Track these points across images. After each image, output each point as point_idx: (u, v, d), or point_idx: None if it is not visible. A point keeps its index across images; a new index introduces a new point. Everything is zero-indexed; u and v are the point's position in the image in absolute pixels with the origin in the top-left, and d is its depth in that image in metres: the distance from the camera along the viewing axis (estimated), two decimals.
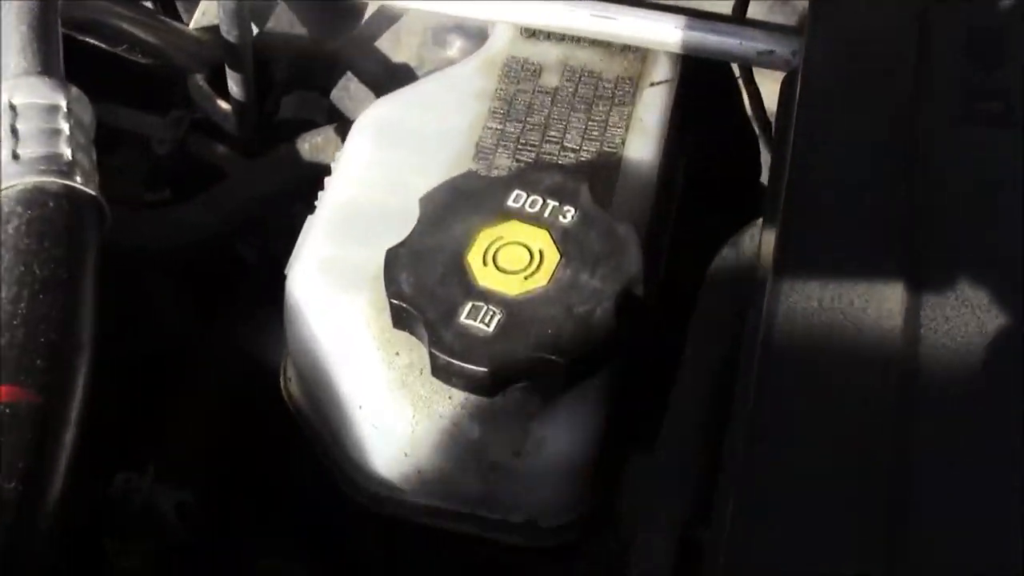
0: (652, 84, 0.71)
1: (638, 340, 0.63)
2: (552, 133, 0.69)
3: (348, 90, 0.86)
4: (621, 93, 0.71)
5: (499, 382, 0.57)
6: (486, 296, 0.58)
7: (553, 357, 0.56)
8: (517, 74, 0.72)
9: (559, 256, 0.59)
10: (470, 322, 0.57)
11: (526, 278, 0.59)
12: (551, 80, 0.72)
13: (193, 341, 0.81)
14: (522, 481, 0.61)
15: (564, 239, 0.60)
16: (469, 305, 0.58)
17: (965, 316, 0.45)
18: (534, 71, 0.72)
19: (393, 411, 0.61)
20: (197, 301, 0.85)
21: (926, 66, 0.52)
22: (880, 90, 0.52)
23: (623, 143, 0.69)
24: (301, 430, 0.68)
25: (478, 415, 0.60)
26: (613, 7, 0.69)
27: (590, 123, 0.69)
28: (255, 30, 0.83)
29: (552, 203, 0.61)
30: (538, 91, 0.71)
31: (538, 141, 0.69)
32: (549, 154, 0.68)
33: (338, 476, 0.64)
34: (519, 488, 0.61)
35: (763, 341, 0.45)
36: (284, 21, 0.89)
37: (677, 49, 0.69)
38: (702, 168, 0.76)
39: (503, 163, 0.68)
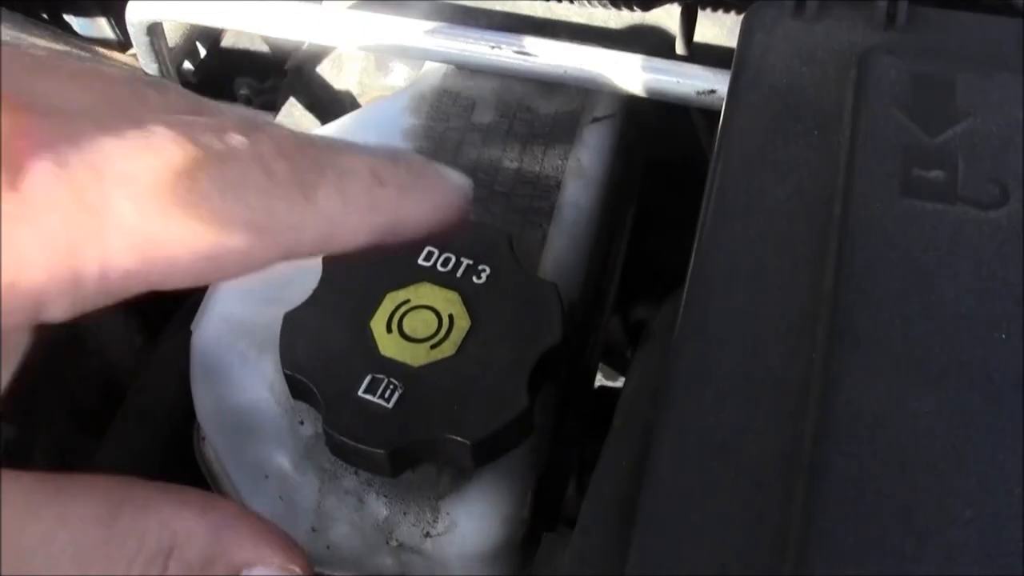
0: (593, 120, 0.65)
1: (563, 409, 0.58)
2: (481, 175, 0.63)
3: (292, 116, 0.81)
4: (559, 130, 0.65)
5: (400, 464, 0.52)
6: (388, 367, 0.53)
7: (458, 438, 0.51)
8: (448, 110, 0.66)
9: (469, 322, 0.54)
10: (368, 397, 0.52)
11: (432, 347, 0.54)
12: (484, 117, 0.66)
13: (137, 363, 0.77)
14: (435, 562, 0.56)
15: (477, 302, 0.55)
16: (369, 378, 0.53)
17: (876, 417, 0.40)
18: (467, 107, 0.67)
19: (298, 484, 0.57)
20: (143, 323, 0.80)
21: (862, 123, 0.46)
22: (809, 151, 0.47)
23: (558, 186, 0.63)
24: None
25: (384, 493, 0.55)
26: (540, 43, 0.63)
27: (523, 164, 0.64)
28: (203, 52, 0.80)
29: (466, 261, 0.56)
30: (470, 129, 0.65)
31: None
32: (478, 199, 0.63)
33: None
34: (434, 567, 0.57)
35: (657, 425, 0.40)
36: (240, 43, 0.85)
37: (607, 88, 0.63)
38: (656, 208, 0.70)
39: None
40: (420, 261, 0.56)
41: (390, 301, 0.55)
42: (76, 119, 0.32)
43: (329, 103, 0.79)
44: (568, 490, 0.63)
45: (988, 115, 0.47)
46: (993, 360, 0.41)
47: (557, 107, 0.66)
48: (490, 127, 0.65)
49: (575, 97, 0.67)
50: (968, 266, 0.43)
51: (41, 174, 0.31)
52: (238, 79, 0.86)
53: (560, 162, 0.64)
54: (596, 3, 0.61)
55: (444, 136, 0.65)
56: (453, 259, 0.56)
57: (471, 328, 0.54)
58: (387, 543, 0.56)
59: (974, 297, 0.43)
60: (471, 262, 0.56)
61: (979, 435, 0.39)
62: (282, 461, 0.57)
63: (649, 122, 0.69)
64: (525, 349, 0.53)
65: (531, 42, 0.63)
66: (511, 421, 0.52)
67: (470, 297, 0.55)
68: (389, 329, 0.54)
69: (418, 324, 0.54)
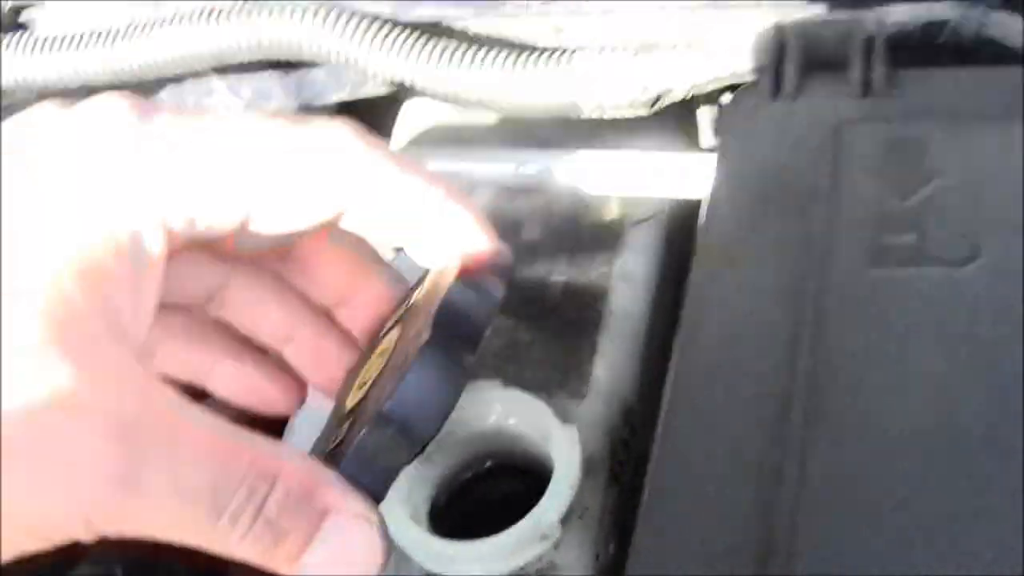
0: (635, 223, 0.66)
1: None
2: (528, 292, 0.65)
3: None
4: (604, 237, 0.67)
5: None
6: None
7: None
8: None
9: None
10: None
11: None
12: (532, 234, 0.68)
13: None
14: None
15: None
16: None
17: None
18: (515, 226, 0.69)
19: None
20: None
21: (836, 196, 0.46)
22: (788, 232, 0.47)
23: (606, 294, 0.65)
24: None
25: None
26: (574, 156, 0.64)
27: (570, 277, 0.65)
28: None
29: None
30: (518, 249, 0.67)
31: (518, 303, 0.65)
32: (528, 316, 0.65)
33: None
34: None
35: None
36: None
37: (641, 191, 0.64)
38: None
39: None
40: None
41: None
42: None
43: None
44: None
45: (959, 170, 0.47)
46: (965, 420, 0.40)
47: (600, 214, 0.68)
48: (537, 244, 0.67)
49: (618, 202, 0.68)
50: (937, 327, 0.43)
51: None
52: None
53: (606, 269, 0.65)
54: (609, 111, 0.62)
55: None
56: None
57: None
58: None
59: (944, 358, 0.42)
60: None
61: (949, 500, 0.38)
62: None
63: (694, 218, 0.69)
64: None
65: (562, 156, 0.65)
66: None
67: None
68: None
69: None
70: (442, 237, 0.47)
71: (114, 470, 0.37)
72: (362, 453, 0.44)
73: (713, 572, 0.40)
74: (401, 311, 0.50)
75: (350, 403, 0.50)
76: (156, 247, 0.42)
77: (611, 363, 0.63)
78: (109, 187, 0.41)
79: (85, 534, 0.38)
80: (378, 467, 0.44)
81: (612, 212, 0.68)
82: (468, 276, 0.46)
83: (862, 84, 0.51)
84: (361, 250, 0.50)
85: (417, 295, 0.50)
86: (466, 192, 0.48)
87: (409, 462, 0.45)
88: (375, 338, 0.51)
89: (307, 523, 0.41)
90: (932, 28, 0.56)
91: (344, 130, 0.44)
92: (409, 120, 0.75)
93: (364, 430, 0.44)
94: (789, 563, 0.39)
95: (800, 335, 0.44)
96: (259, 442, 0.41)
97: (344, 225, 0.46)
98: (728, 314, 0.46)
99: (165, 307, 0.48)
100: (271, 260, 0.50)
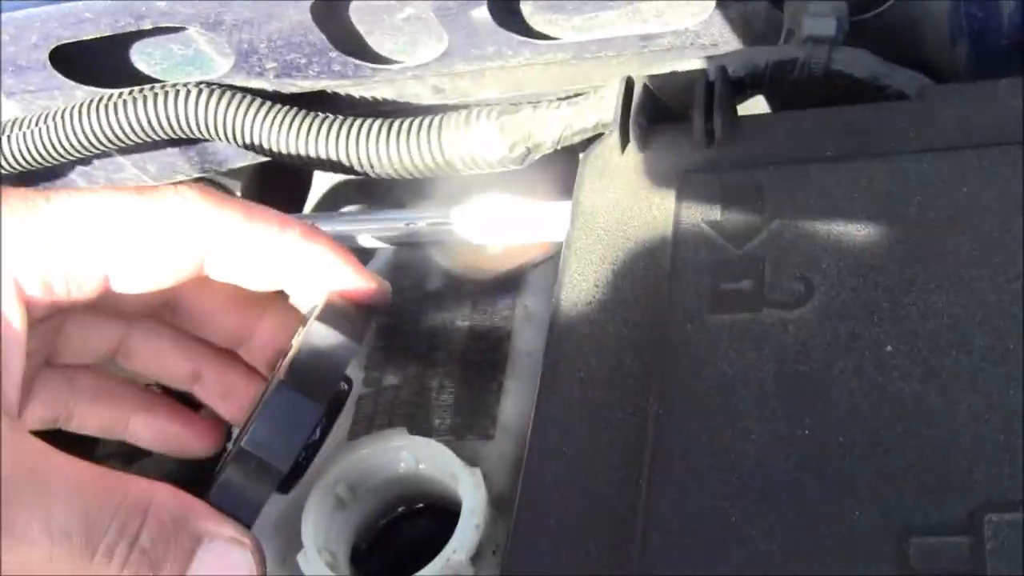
0: (535, 265, 0.69)
1: None
2: (436, 340, 0.68)
3: None
4: (505, 281, 0.69)
5: None
6: None
7: None
8: (402, 283, 0.71)
9: None
10: None
11: None
12: (434, 284, 0.71)
13: None
14: None
15: None
16: None
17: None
18: (419, 278, 0.71)
19: None
20: None
21: (675, 246, 0.49)
22: (635, 284, 0.50)
23: (509, 336, 0.67)
24: None
25: None
26: (463, 211, 0.67)
27: (474, 321, 0.68)
28: None
29: None
30: (423, 299, 0.70)
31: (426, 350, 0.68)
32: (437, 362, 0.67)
33: None
34: None
35: None
36: None
37: (534, 236, 0.66)
38: None
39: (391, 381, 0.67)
40: None
41: None
42: None
43: None
44: None
45: (793, 212, 0.49)
46: (795, 456, 0.43)
47: (501, 261, 0.70)
48: (440, 293, 0.70)
49: (516, 248, 0.70)
50: (772, 369, 0.45)
51: None
52: None
53: (509, 312, 0.68)
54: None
55: (401, 308, 0.70)
56: None
57: None
58: None
59: (777, 398, 0.44)
60: None
61: (784, 532, 0.41)
62: None
63: None
64: None
65: (458, 209, 0.68)
66: None
67: None
68: None
69: None
70: (306, 275, 0.51)
71: None
72: (226, 485, 0.47)
73: None
74: (295, 340, 0.53)
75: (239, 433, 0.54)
76: (14, 314, 0.45)
77: (517, 403, 0.65)
78: None
79: None
80: (244, 497, 0.47)
81: (510, 257, 0.70)
82: (331, 313, 0.50)
83: (704, 133, 0.53)
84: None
85: (301, 328, 0.53)
86: (322, 232, 0.51)
87: (273, 492, 0.49)
88: (275, 368, 0.54)
89: (182, 550, 0.43)
90: (783, 67, 0.58)
91: (190, 193, 0.48)
92: (320, 181, 0.78)
93: (228, 464, 0.48)
94: None
95: (648, 380, 0.47)
96: (130, 479, 0.44)
97: (214, 275, 0.50)
98: (583, 361, 0.48)
99: (70, 367, 0.53)
100: (165, 313, 0.55)
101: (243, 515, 0.47)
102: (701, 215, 0.50)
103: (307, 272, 0.51)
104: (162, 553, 0.43)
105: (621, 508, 0.44)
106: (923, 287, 0.46)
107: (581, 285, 0.51)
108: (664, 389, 0.46)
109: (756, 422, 0.44)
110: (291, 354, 0.48)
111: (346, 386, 0.54)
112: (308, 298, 0.53)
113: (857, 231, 0.48)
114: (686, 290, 0.48)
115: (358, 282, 0.51)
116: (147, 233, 0.48)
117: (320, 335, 0.49)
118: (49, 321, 0.48)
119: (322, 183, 0.80)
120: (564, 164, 0.69)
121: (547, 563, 0.44)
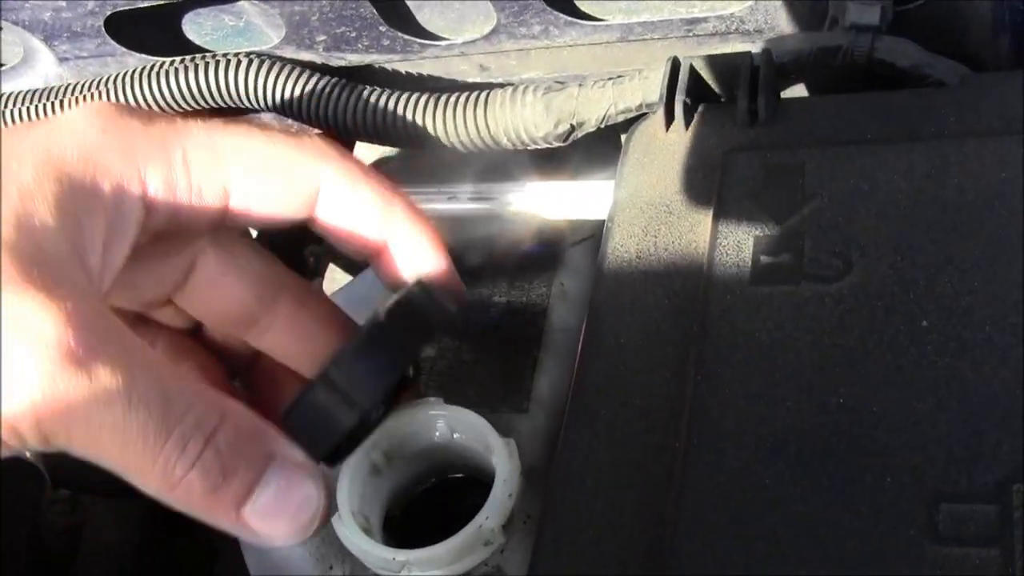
0: (573, 244, 0.70)
1: None
2: (473, 315, 0.69)
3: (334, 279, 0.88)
4: (543, 259, 0.70)
5: None
6: None
7: None
8: None
9: None
10: None
11: None
12: (474, 260, 0.72)
13: None
14: None
15: None
16: None
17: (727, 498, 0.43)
18: (458, 255, 0.72)
19: None
20: None
21: (721, 220, 0.50)
22: (677, 256, 0.51)
23: (545, 312, 0.68)
24: None
25: None
26: (510, 186, 0.68)
27: (512, 297, 0.69)
28: None
29: None
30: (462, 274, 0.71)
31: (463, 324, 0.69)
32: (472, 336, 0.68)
33: None
34: None
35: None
36: None
37: (578, 215, 0.68)
38: None
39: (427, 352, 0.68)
40: None
41: None
42: None
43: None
44: None
45: (834, 192, 0.50)
46: (830, 424, 0.44)
47: (540, 237, 0.71)
48: (479, 268, 0.71)
49: (556, 226, 0.72)
50: (810, 340, 0.46)
51: None
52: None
53: (545, 289, 0.69)
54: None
55: None
56: None
57: None
58: None
59: (813, 369, 0.45)
60: None
61: (815, 499, 0.42)
62: None
63: None
64: None
65: (501, 186, 0.69)
66: None
67: None
68: None
69: None
70: (402, 250, 0.50)
71: (68, 349, 0.37)
72: (307, 408, 0.46)
73: (605, 572, 0.43)
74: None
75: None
76: (135, 207, 0.44)
77: (551, 378, 0.66)
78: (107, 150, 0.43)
79: (31, 433, 0.38)
80: (321, 425, 0.46)
81: (549, 235, 0.72)
82: (429, 283, 0.50)
83: (747, 114, 0.54)
84: None
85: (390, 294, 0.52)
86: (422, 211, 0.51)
87: (351, 428, 0.48)
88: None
89: (254, 464, 0.41)
90: (827, 54, 0.59)
91: (319, 141, 0.49)
92: (360, 155, 0.79)
93: (311, 389, 0.46)
94: (672, 562, 0.42)
95: (688, 349, 0.48)
96: (207, 385, 0.42)
97: (320, 219, 0.49)
98: (624, 330, 0.50)
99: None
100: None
101: (319, 442, 0.46)
102: (743, 191, 0.51)
103: (406, 247, 0.50)
104: (234, 461, 0.40)
105: (657, 471, 0.46)
106: (959, 266, 0.47)
107: (623, 256, 0.52)
108: (703, 356, 0.47)
109: (792, 390, 0.45)
110: (389, 302, 0.48)
111: (412, 372, 0.54)
112: (394, 272, 0.52)
113: (896, 211, 0.49)
114: (727, 262, 0.49)
115: (449, 277, 0.51)
116: (270, 156, 0.47)
117: (421, 291, 0.49)
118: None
119: (363, 158, 0.80)
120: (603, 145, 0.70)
121: (583, 525, 0.45)
